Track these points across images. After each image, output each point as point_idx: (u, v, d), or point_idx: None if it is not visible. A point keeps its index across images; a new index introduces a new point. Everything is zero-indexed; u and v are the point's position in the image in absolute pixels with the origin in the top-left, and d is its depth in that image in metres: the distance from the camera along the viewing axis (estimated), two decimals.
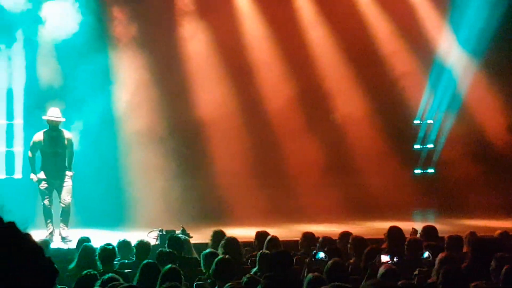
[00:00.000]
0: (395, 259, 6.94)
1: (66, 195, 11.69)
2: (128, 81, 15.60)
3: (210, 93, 16.07)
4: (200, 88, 16.30)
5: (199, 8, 16.32)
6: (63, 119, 11.94)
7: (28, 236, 1.53)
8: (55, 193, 11.81)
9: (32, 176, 11.77)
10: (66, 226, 11.69)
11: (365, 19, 17.29)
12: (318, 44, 17.25)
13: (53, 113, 11.83)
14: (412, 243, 7.88)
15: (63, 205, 11.69)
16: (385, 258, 7.06)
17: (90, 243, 8.22)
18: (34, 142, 11.83)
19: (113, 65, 15.66)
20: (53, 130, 11.75)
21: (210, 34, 16.41)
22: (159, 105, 15.80)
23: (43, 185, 11.69)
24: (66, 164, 11.78)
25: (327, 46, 17.21)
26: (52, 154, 11.68)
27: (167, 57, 16.08)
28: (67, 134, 11.94)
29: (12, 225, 1.48)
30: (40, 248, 1.50)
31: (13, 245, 1.45)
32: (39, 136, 11.80)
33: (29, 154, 11.93)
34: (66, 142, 11.79)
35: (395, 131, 17.57)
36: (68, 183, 11.75)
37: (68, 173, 11.75)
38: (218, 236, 8.43)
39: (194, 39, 16.35)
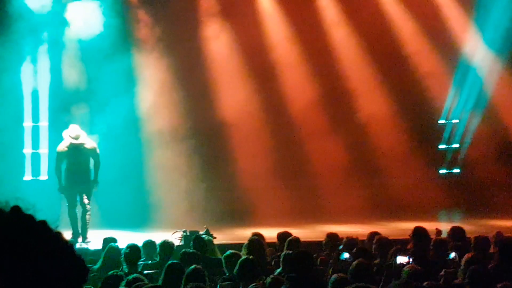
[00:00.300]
0: (410, 260, 6.87)
1: (86, 199, 11.87)
2: (152, 82, 15.67)
3: (233, 94, 16.09)
4: (223, 89, 16.32)
5: (223, 9, 16.34)
6: (83, 134, 12.07)
7: (59, 235, 1.54)
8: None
9: (60, 189, 12.00)
10: (86, 228, 11.83)
11: (389, 19, 17.20)
12: (342, 44, 17.18)
13: (73, 132, 11.95)
14: (438, 243, 7.83)
15: (84, 208, 11.85)
16: (403, 259, 7.02)
17: (115, 244, 8.26)
18: (58, 153, 12.00)
19: (138, 67, 15.74)
20: (76, 139, 11.89)
21: (234, 35, 16.43)
22: (183, 106, 15.85)
23: (69, 193, 11.90)
24: (91, 174, 11.93)
25: (350, 46, 17.15)
26: (77, 163, 11.82)
27: (190, 58, 16.12)
28: (91, 143, 12.08)
29: (44, 223, 1.50)
30: (71, 247, 1.51)
31: (46, 243, 1.46)
32: (63, 147, 11.95)
33: (56, 165, 12.10)
34: (90, 151, 11.94)
35: (420, 131, 17.48)
36: (90, 190, 11.95)
37: (93, 183, 11.96)
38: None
39: (218, 40, 16.38)
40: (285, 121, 16.69)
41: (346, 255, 7.68)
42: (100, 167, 12.01)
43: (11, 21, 14.59)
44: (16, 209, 1.47)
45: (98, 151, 12.09)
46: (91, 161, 11.99)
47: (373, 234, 8.62)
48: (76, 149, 11.84)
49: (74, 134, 11.91)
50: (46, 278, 1.43)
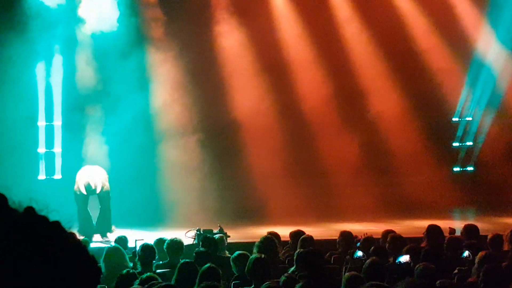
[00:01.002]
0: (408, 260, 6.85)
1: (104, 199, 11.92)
2: (165, 80, 15.70)
3: (246, 92, 16.09)
4: (236, 87, 16.33)
5: (236, 7, 16.36)
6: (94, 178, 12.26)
7: (72, 235, 1.55)
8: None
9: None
10: (109, 227, 11.80)
11: (402, 16, 17.15)
12: (354, 42, 17.17)
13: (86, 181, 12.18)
14: (452, 241, 7.80)
15: (101, 207, 11.88)
16: (405, 258, 7.00)
17: (117, 245, 8.36)
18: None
19: (152, 65, 15.77)
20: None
21: (247, 33, 16.44)
22: (196, 104, 15.87)
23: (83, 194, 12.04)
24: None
25: (363, 44, 17.12)
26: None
27: (204, 56, 16.15)
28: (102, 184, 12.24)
29: (57, 223, 1.50)
30: (84, 247, 1.52)
31: (59, 244, 1.47)
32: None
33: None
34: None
35: (434, 128, 17.44)
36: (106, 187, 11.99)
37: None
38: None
39: (231, 38, 16.39)
40: (297, 119, 16.68)
41: (360, 253, 7.67)
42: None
43: (27, 19, 14.68)
44: (30, 210, 1.48)
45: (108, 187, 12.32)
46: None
47: (387, 232, 8.60)
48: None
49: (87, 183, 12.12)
50: (59, 280, 1.44)
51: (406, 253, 6.95)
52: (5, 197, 1.48)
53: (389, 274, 6.10)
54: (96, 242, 11.43)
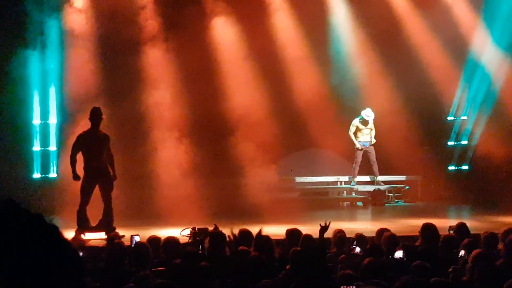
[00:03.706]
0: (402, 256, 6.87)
1: (106, 194, 11.61)
2: (160, 80, 15.69)
3: (242, 92, 16.10)
4: (232, 87, 16.33)
5: (230, 8, 16.38)
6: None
7: (54, 228, 1.54)
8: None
9: (74, 177, 11.45)
10: (111, 224, 11.60)
11: (398, 15, 17.20)
12: (349, 40, 17.23)
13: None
14: (447, 240, 7.80)
15: (104, 203, 11.62)
16: (398, 254, 7.02)
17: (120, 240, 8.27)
18: (77, 142, 11.53)
19: (147, 64, 15.76)
20: (96, 127, 11.62)
21: (242, 32, 16.47)
22: (190, 104, 15.86)
23: (85, 184, 11.52)
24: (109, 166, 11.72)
25: (358, 42, 17.17)
26: (95, 153, 11.51)
27: (199, 57, 16.12)
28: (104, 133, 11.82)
29: (38, 216, 1.51)
30: (65, 240, 1.52)
31: (40, 235, 1.46)
32: (83, 136, 11.53)
33: (71, 154, 11.51)
34: (105, 141, 11.68)
35: (429, 127, 17.49)
36: (110, 181, 11.66)
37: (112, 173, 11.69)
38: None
39: (225, 38, 16.43)
40: (292, 116, 16.69)
41: (355, 251, 7.70)
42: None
43: (22, 17, 14.70)
44: (10, 202, 1.48)
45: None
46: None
47: (382, 231, 8.61)
48: (96, 139, 11.52)
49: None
50: (41, 270, 1.43)
51: (400, 251, 6.98)
52: None
53: (383, 272, 6.11)
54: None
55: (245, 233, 8.03)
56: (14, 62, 14.91)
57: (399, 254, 6.99)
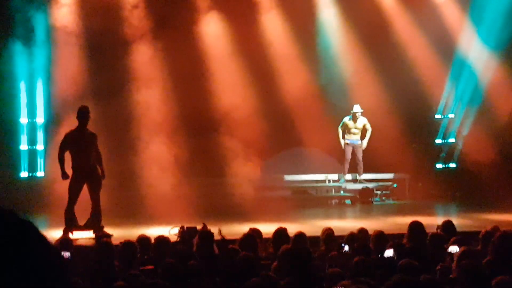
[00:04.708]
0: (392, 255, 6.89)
1: (95, 193, 11.51)
2: (148, 78, 15.66)
3: (230, 90, 16.09)
4: (220, 85, 16.32)
5: (219, 6, 16.39)
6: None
7: (29, 224, 1.49)
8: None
9: (63, 175, 11.31)
10: (99, 223, 11.51)
11: (386, 14, 17.25)
12: (338, 39, 17.28)
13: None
14: (435, 238, 7.84)
15: (93, 202, 11.53)
16: (389, 252, 7.05)
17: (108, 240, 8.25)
18: (64, 141, 11.40)
19: (136, 62, 15.73)
20: (84, 126, 11.47)
21: (230, 29, 16.48)
22: (179, 102, 15.83)
23: (73, 182, 11.35)
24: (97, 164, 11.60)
25: (346, 41, 17.21)
26: (83, 151, 11.37)
27: (188, 56, 16.09)
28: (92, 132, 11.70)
29: (11, 211, 1.47)
30: (44, 237, 1.48)
31: (12, 231, 1.43)
32: (70, 135, 11.41)
33: (59, 153, 11.34)
34: (92, 140, 11.56)
35: (416, 125, 17.56)
36: (98, 180, 11.54)
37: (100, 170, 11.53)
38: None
39: (214, 37, 16.43)
40: (280, 114, 16.70)
41: (344, 249, 7.72)
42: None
43: (9, 11, 14.65)
44: None
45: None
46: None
47: (362, 230, 8.63)
48: (83, 138, 11.38)
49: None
50: (14, 267, 1.39)
51: (390, 249, 7.00)
52: None
53: (373, 271, 6.13)
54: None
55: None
56: (1, 58, 14.85)
57: (389, 252, 7.01)
